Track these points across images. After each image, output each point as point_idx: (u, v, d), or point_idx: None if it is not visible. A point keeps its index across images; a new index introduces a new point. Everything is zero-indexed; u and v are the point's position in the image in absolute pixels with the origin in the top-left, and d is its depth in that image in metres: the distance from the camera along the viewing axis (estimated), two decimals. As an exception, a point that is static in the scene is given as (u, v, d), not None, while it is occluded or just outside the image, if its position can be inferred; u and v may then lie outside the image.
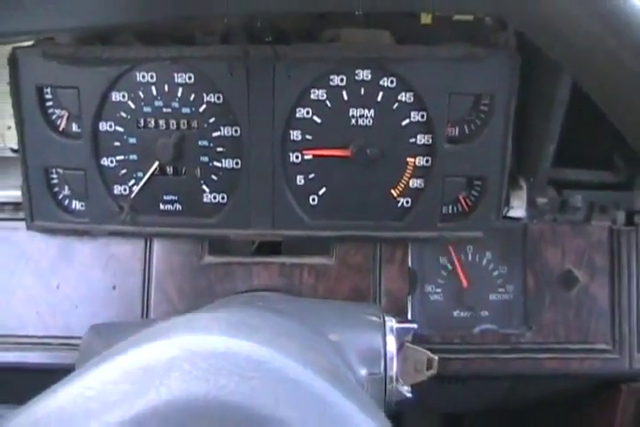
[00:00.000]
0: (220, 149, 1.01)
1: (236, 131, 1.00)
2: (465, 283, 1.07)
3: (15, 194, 1.06)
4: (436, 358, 0.88)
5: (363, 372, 0.76)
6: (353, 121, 0.99)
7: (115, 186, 1.03)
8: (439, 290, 1.08)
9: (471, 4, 0.59)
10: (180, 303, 1.04)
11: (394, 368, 0.79)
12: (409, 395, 0.83)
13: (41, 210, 1.05)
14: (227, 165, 1.02)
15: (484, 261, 1.08)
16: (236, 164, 1.02)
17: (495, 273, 1.08)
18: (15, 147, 1.12)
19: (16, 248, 1.07)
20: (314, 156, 1.01)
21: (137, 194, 1.03)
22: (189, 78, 0.98)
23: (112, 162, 1.02)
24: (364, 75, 0.97)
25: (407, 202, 1.03)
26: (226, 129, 1.00)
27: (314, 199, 1.03)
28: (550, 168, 1.03)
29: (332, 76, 0.97)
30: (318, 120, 0.99)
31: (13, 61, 0.97)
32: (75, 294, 1.06)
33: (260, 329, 0.52)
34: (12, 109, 1.00)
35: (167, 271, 1.06)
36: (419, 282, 1.07)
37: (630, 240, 1.08)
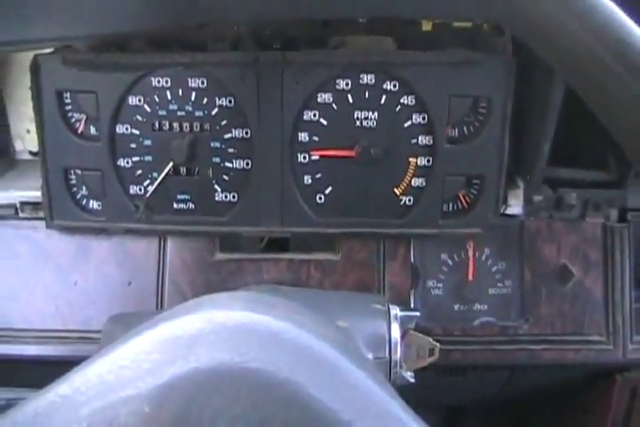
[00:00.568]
0: (231, 151, 1.03)
1: (246, 133, 1.02)
2: (471, 277, 1.09)
3: (34, 194, 1.08)
4: (438, 344, 0.92)
5: (369, 356, 0.80)
6: (357, 123, 1.02)
7: (131, 186, 1.06)
8: (440, 285, 1.09)
9: (463, 11, 0.60)
10: (193, 298, 1.07)
11: (398, 353, 0.83)
12: (412, 380, 0.87)
13: (60, 209, 1.07)
14: (237, 166, 1.04)
15: (484, 257, 1.10)
16: (247, 164, 1.04)
17: (494, 268, 1.10)
18: (34, 150, 1.15)
19: (36, 246, 1.09)
20: (320, 156, 1.04)
21: (152, 193, 1.05)
22: (202, 83, 1.00)
23: (128, 163, 1.04)
24: (368, 79, 1.00)
25: (409, 200, 1.06)
26: (237, 131, 1.02)
27: (320, 198, 1.06)
28: (546, 167, 1.05)
29: (337, 81, 1.00)
30: (325, 122, 1.02)
31: (35, 68, 0.99)
32: (92, 290, 1.08)
33: (275, 306, 0.56)
34: (33, 113, 1.02)
35: (180, 267, 1.08)
36: (421, 277, 1.09)
37: (623, 236, 1.09)
